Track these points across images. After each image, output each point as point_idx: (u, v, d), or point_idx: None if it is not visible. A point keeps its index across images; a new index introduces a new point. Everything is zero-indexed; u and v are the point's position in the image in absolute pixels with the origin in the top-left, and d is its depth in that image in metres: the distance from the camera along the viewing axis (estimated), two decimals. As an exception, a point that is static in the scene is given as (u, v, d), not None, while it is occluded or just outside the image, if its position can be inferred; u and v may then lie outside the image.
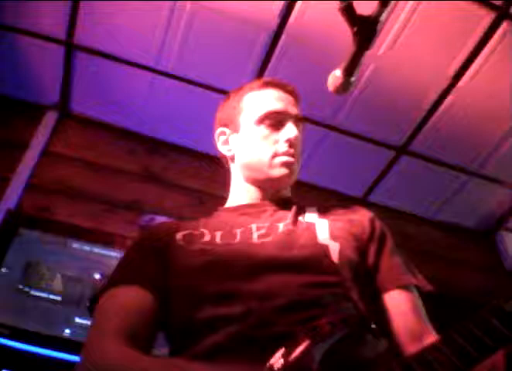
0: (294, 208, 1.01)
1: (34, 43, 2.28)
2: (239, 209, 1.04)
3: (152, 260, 0.90)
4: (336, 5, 0.87)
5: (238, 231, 0.94)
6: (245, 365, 0.69)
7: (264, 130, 1.03)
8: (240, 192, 1.09)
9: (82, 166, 2.45)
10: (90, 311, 0.88)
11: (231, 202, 1.11)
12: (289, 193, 1.11)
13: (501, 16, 2.10)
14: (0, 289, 1.90)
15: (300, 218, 0.98)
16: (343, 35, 0.92)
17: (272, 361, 0.64)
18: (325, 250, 0.88)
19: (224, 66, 2.32)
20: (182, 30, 2.21)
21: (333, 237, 0.91)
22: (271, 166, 1.02)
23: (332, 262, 0.86)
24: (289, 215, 0.98)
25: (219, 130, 1.13)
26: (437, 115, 2.47)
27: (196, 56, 2.30)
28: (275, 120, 1.04)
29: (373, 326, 0.77)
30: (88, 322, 1.93)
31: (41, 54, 2.33)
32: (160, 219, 2.42)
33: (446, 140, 2.58)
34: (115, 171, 2.50)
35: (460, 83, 2.33)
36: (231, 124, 1.10)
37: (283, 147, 1.01)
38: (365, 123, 2.52)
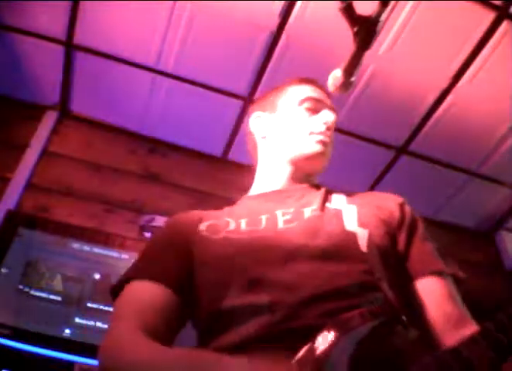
0: (321, 193, 0.98)
1: (34, 43, 2.28)
2: (264, 196, 1.03)
3: (176, 255, 0.89)
4: (336, 5, 0.87)
5: (263, 217, 0.92)
6: (274, 358, 0.68)
7: (302, 111, 1.07)
8: (267, 177, 1.08)
9: (82, 166, 2.45)
10: (113, 299, 0.88)
11: (256, 189, 1.09)
12: (316, 181, 1.09)
13: (501, 16, 2.10)
14: (0, 289, 1.91)
15: (327, 204, 0.95)
16: (343, 35, 0.92)
17: (300, 355, 0.63)
18: (352, 237, 0.85)
19: (224, 66, 2.32)
20: (182, 30, 2.21)
21: (362, 224, 0.89)
22: (306, 142, 1.03)
23: (361, 250, 0.83)
24: (316, 200, 0.95)
25: (255, 114, 1.15)
26: (437, 115, 2.47)
27: (196, 56, 2.30)
28: (313, 106, 1.08)
29: (404, 317, 0.73)
30: (88, 322, 1.94)
31: (41, 54, 2.33)
32: (160, 219, 2.42)
33: (446, 140, 2.58)
34: (115, 171, 2.50)
35: (460, 83, 2.33)
36: (269, 108, 1.13)
37: (320, 127, 1.04)
38: (365, 123, 2.52)
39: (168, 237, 0.95)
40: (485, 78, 2.29)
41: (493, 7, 2.07)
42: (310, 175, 1.07)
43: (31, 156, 2.35)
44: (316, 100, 1.08)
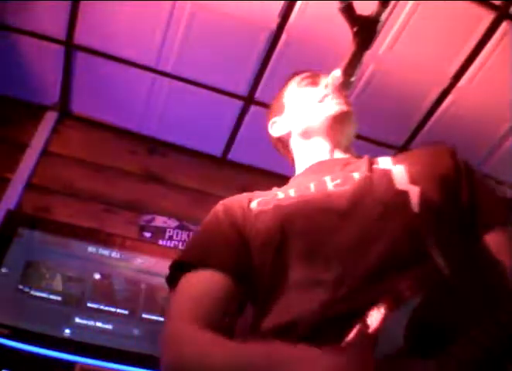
0: (366, 159, 0.96)
1: (34, 43, 2.27)
2: (310, 169, 1.04)
3: (233, 240, 0.85)
4: (336, 5, 0.87)
5: (312, 184, 0.90)
6: (335, 341, 0.63)
7: (304, 90, 1.12)
8: (307, 158, 1.08)
9: (82, 166, 2.45)
10: (171, 288, 0.86)
11: (299, 170, 1.10)
12: (352, 148, 1.09)
13: (501, 16, 2.10)
14: (0, 289, 1.90)
15: (375, 166, 0.94)
16: (343, 35, 0.92)
17: (351, 336, 0.61)
18: (404, 197, 0.81)
19: (224, 66, 2.32)
20: (182, 30, 2.21)
21: (413, 181, 0.84)
22: (322, 107, 1.04)
23: (413, 211, 0.79)
24: (363, 165, 0.93)
25: (271, 122, 1.18)
26: (437, 115, 2.47)
27: (196, 56, 2.30)
28: (312, 81, 1.12)
29: (456, 281, 0.67)
30: (88, 322, 1.93)
31: (41, 54, 2.33)
32: (160, 219, 2.43)
33: (446, 140, 2.56)
34: (115, 171, 2.50)
35: (460, 83, 2.33)
36: (279, 110, 1.17)
37: (327, 90, 1.04)
38: (365, 123, 2.51)
39: (225, 221, 0.89)
40: (485, 78, 2.29)
41: (493, 7, 2.07)
42: (346, 140, 1.07)
43: (31, 156, 2.35)
44: (312, 76, 1.13)
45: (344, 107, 1.02)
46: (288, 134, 1.13)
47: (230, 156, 2.70)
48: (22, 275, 1.96)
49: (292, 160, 1.15)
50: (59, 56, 2.33)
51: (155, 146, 2.65)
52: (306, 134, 1.08)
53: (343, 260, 0.73)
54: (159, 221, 2.43)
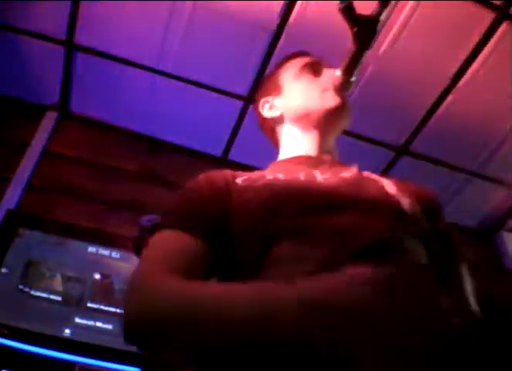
0: (353, 165, 0.96)
1: (34, 43, 2.28)
2: (296, 159, 1.01)
3: (213, 207, 0.82)
4: (336, 5, 0.87)
5: (301, 174, 0.88)
6: None
7: (306, 77, 1.07)
8: (294, 147, 1.05)
9: (82, 166, 2.45)
10: (138, 251, 0.81)
11: (283, 156, 1.06)
12: (337, 150, 1.09)
13: (501, 16, 2.10)
14: (0, 289, 1.91)
15: (363, 172, 0.94)
16: (343, 35, 0.92)
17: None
18: (396, 199, 0.82)
19: (224, 66, 2.32)
20: (182, 30, 2.21)
21: (402, 192, 0.85)
22: (323, 99, 1.02)
23: (407, 211, 0.80)
24: (351, 168, 0.93)
25: (262, 100, 1.14)
26: (437, 115, 2.47)
27: (196, 56, 2.30)
28: (314, 69, 1.08)
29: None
30: (88, 322, 1.93)
31: (41, 54, 2.33)
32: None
33: (446, 140, 2.58)
34: (115, 171, 2.50)
35: (460, 83, 2.33)
36: (273, 91, 1.12)
37: (328, 85, 1.02)
38: (365, 123, 2.52)
39: (206, 190, 0.87)
40: (485, 78, 2.29)
41: (493, 7, 2.08)
42: (335, 134, 1.07)
43: (31, 156, 2.35)
44: (314, 64, 1.09)
45: (340, 100, 1.01)
46: (280, 117, 1.09)
47: (230, 156, 2.71)
48: (22, 275, 1.95)
49: (276, 142, 1.12)
50: (59, 56, 2.33)
51: (155, 146, 2.65)
52: (299, 122, 1.05)
53: (330, 241, 0.71)
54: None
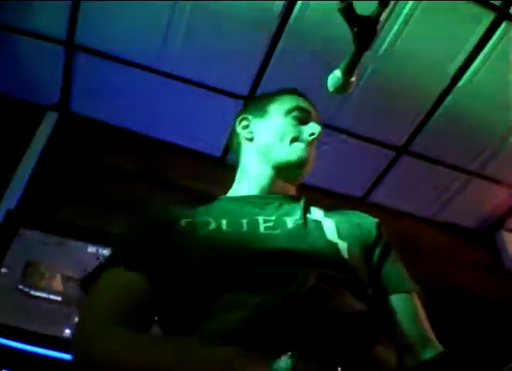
0: (301, 204, 1.00)
1: (34, 43, 2.28)
2: (243, 199, 1.04)
3: (156, 244, 0.86)
4: (336, 5, 0.87)
5: (244, 221, 0.92)
6: (256, 354, 0.65)
7: (291, 119, 1.09)
8: (247, 180, 1.09)
9: (82, 166, 2.45)
10: (84, 289, 0.84)
11: (234, 191, 1.11)
12: (295, 193, 1.11)
13: (501, 16, 2.10)
14: (0, 289, 1.91)
15: (308, 215, 0.98)
16: (343, 35, 0.92)
17: (280, 363, 0.61)
18: (335, 247, 0.88)
19: (224, 66, 2.32)
20: (182, 30, 2.21)
21: (341, 237, 0.91)
22: (292, 149, 1.05)
23: (345, 258, 0.86)
24: (297, 211, 0.97)
25: (241, 116, 1.18)
26: (437, 115, 2.47)
27: (196, 56, 2.30)
28: (302, 116, 1.10)
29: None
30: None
31: (41, 54, 2.34)
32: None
33: (446, 140, 2.58)
34: (115, 171, 2.50)
35: (460, 83, 2.33)
36: (257, 112, 1.15)
37: (307, 136, 1.07)
38: (365, 123, 2.52)
39: (148, 225, 0.91)
40: (485, 78, 2.30)
41: (493, 7, 2.08)
42: (290, 183, 1.09)
43: (31, 156, 2.35)
44: (305, 111, 1.11)
45: (305, 157, 1.05)
46: (250, 140, 1.13)
47: (230, 156, 2.71)
48: (22, 275, 1.96)
49: (237, 157, 1.17)
50: (59, 56, 2.33)
51: (155, 146, 2.65)
52: (262, 156, 1.08)
53: (266, 288, 0.77)
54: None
